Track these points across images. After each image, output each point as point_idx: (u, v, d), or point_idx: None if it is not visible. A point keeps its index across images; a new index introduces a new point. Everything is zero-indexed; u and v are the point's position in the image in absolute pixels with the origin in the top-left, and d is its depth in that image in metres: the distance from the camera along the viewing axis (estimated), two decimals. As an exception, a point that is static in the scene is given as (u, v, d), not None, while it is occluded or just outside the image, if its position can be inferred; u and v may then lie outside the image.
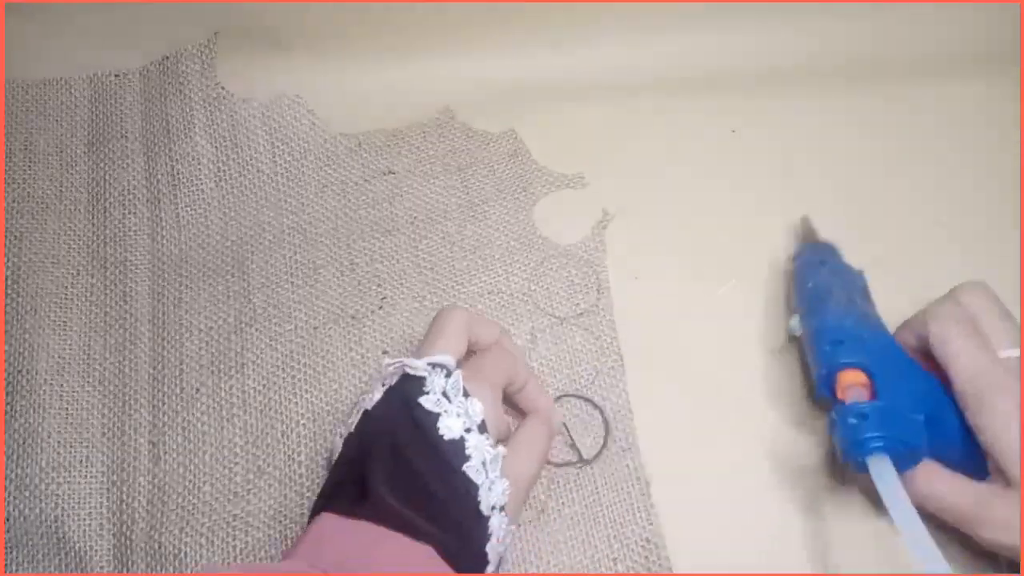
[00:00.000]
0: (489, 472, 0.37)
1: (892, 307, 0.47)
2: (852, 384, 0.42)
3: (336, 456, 0.40)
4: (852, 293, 0.46)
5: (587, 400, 0.49)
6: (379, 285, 0.53)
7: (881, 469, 0.39)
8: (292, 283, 0.54)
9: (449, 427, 0.37)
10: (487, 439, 0.38)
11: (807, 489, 0.46)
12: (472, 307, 0.52)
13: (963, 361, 0.40)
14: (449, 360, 0.40)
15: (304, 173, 0.57)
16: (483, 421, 0.38)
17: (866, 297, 0.47)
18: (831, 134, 0.59)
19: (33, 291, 0.53)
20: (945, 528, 0.40)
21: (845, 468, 0.43)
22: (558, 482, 0.47)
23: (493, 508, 0.37)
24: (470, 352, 0.44)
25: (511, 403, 0.45)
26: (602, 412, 0.49)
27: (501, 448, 0.39)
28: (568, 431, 0.48)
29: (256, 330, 0.52)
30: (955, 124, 0.58)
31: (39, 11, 0.59)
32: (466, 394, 0.38)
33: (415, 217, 0.56)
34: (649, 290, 0.53)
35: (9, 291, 0.53)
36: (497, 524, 0.38)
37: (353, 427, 0.40)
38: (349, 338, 0.51)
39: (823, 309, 0.45)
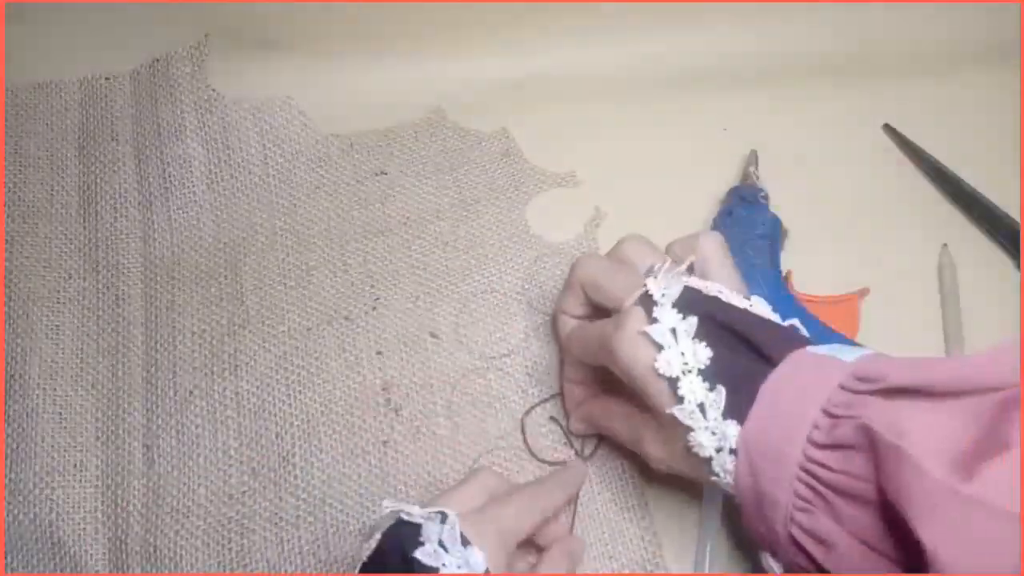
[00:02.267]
0: None
1: (886, 301, 0.48)
2: None
3: None
4: (745, 244, 0.50)
5: (581, 398, 0.49)
6: (372, 286, 0.53)
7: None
8: (285, 285, 0.53)
9: None
10: None
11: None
12: (466, 307, 0.52)
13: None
14: (447, 508, 0.37)
15: (296, 174, 0.57)
16: (487, 570, 0.35)
17: (765, 246, 0.50)
18: (823, 132, 0.59)
19: (25, 295, 0.53)
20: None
21: None
22: (553, 481, 0.47)
23: None
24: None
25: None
26: (596, 410, 0.49)
27: None
28: (564, 429, 0.48)
29: (249, 332, 0.52)
30: (952, 121, 0.58)
31: (29, 14, 0.59)
32: (465, 542, 0.35)
33: (408, 217, 0.56)
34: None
35: (1, 295, 0.53)
36: None
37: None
38: (343, 339, 0.51)
39: None
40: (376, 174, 0.57)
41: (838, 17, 0.62)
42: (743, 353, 0.36)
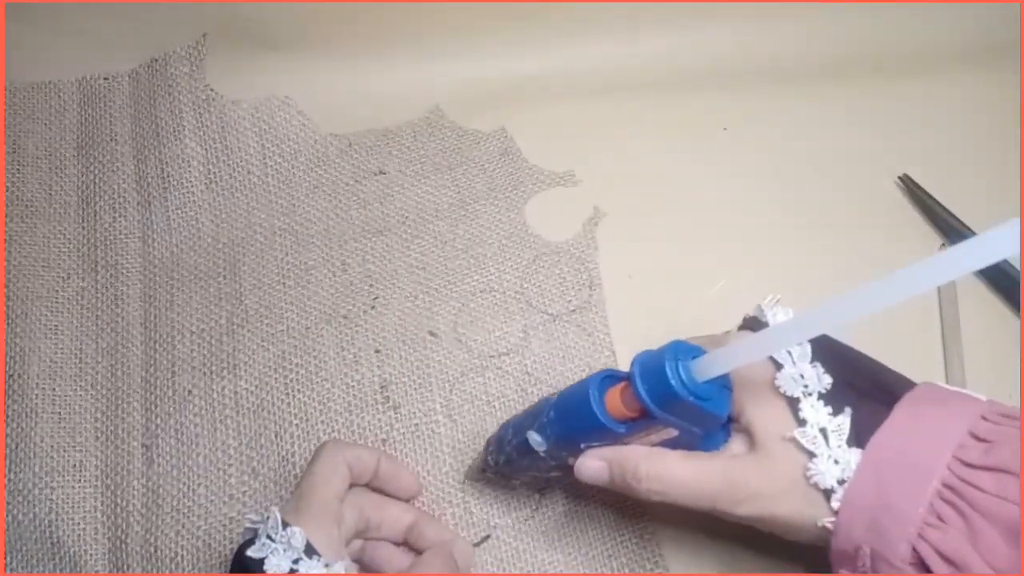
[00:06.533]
0: None
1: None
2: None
3: None
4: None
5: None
6: (371, 285, 0.53)
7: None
8: (284, 284, 0.53)
9: (277, 565, 0.37)
10: (319, 562, 0.37)
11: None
12: (465, 306, 0.52)
13: None
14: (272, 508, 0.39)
15: (295, 174, 0.57)
16: (308, 545, 0.37)
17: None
18: (823, 132, 0.59)
19: (24, 295, 0.53)
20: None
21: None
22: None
23: None
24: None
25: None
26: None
27: (341, 564, 0.37)
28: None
29: (248, 331, 0.52)
30: (951, 121, 0.58)
31: (28, 14, 0.59)
32: (285, 525, 0.37)
33: (406, 217, 0.56)
34: (641, 287, 0.53)
35: None
36: None
37: None
38: (341, 338, 0.51)
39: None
40: (375, 173, 0.57)
41: (838, 17, 0.62)
42: (859, 381, 0.35)
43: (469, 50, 0.61)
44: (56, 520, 0.47)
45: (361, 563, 0.43)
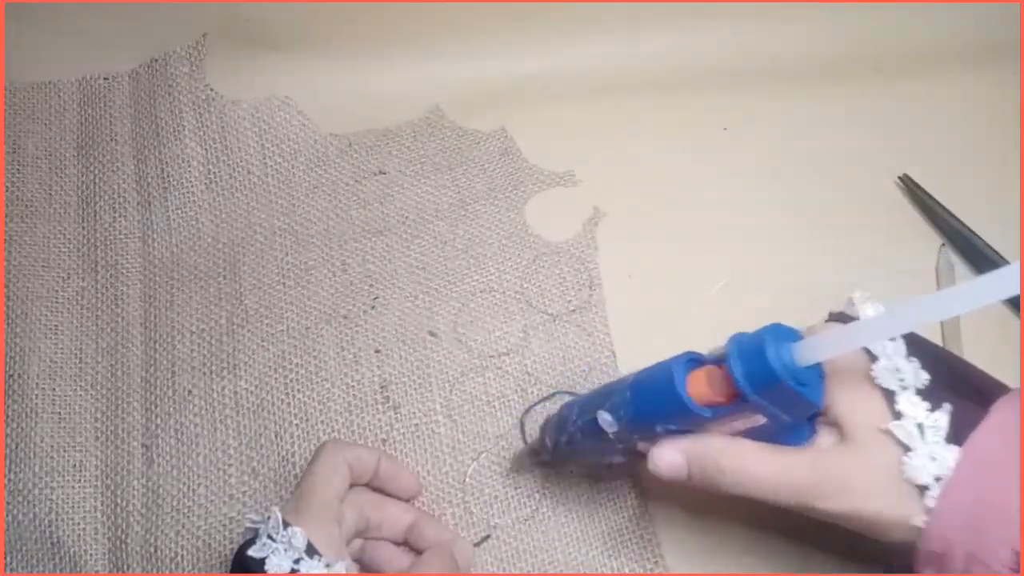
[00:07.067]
0: None
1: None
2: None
3: None
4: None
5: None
6: (371, 285, 0.53)
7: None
8: (284, 284, 0.53)
9: (278, 565, 0.37)
10: (320, 561, 0.37)
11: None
12: (465, 306, 0.52)
13: None
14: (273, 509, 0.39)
15: (295, 174, 0.57)
16: (309, 545, 0.37)
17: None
18: (823, 132, 0.59)
19: (24, 295, 0.53)
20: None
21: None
22: (552, 480, 0.47)
23: None
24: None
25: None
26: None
27: (342, 564, 0.37)
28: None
29: (248, 331, 0.52)
30: (951, 121, 0.58)
31: (28, 14, 0.59)
32: (286, 525, 0.38)
33: (406, 217, 0.56)
34: (641, 287, 0.53)
35: None
36: None
37: None
38: (341, 338, 0.51)
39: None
40: (375, 173, 0.58)
41: (838, 17, 0.62)
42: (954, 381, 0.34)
43: (469, 50, 0.61)
44: (56, 520, 0.47)
45: (361, 563, 0.43)
